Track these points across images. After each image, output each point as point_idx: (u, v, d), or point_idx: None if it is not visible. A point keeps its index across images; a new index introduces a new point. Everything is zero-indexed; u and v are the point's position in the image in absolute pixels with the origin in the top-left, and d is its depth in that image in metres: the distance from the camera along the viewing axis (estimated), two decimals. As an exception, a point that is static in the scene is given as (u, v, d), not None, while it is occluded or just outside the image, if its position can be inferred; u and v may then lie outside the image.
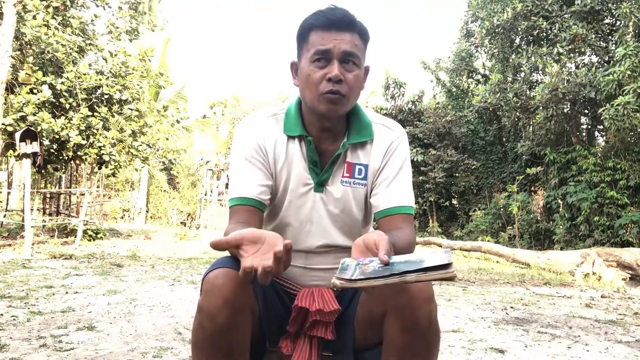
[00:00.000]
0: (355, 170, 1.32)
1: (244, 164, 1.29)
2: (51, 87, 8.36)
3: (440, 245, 10.83)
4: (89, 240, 9.13)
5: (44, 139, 8.29)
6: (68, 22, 9.06)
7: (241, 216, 1.25)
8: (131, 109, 9.77)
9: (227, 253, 1.17)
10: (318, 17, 1.24)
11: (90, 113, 8.92)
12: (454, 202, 15.74)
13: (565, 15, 11.29)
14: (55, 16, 8.68)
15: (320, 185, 1.31)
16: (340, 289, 0.93)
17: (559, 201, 11.92)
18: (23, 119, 7.94)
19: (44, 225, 9.86)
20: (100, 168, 10.80)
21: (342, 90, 1.21)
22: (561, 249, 10.42)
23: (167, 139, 10.99)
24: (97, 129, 8.96)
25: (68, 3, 9.15)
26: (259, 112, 1.40)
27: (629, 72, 9.28)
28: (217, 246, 0.97)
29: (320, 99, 1.22)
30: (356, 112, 1.34)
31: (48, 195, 11.38)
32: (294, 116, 1.32)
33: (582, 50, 11.33)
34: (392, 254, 0.98)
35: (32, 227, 7.46)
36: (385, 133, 1.34)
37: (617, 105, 9.20)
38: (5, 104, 8.00)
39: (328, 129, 1.31)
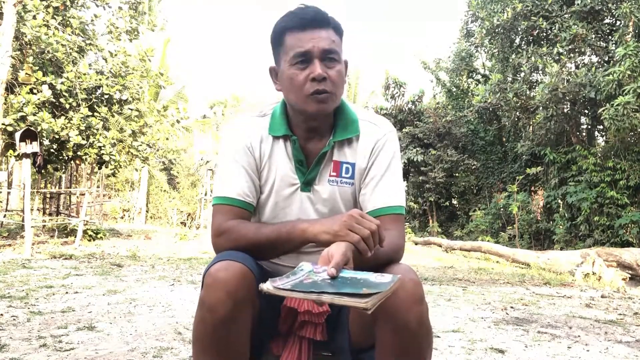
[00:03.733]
0: (343, 169, 1.30)
1: (231, 164, 1.28)
2: (51, 87, 8.36)
3: (440, 245, 10.83)
4: (89, 240, 9.13)
5: (44, 139, 8.28)
6: (68, 22, 9.06)
7: (231, 216, 1.24)
8: (131, 109, 9.77)
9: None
10: (290, 18, 1.23)
11: (90, 113, 8.92)
12: (454, 202, 15.74)
13: (565, 15, 11.29)
14: (55, 16, 8.68)
15: (307, 185, 1.30)
16: (266, 294, 0.97)
17: (559, 201, 11.92)
18: (23, 119, 7.94)
19: (44, 225, 9.86)
20: (100, 168, 10.80)
21: (327, 88, 1.20)
22: (561, 249, 10.42)
23: (167, 139, 11.00)
24: (97, 129, 8.96)
25: (68, 3, 9.15)
26: (247, 111, 1.39)
27: (629, 72, 9.29)
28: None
29: (307, 100, 1.21)
30: (342, 109, 1.32)
31: (48, 195, 11.37)
32: (279, 117, 1.31)
33: (582, 50, 11.33)
34: (346, 268, 1.01)
35: (32, 227, 7.46)
36: (372, 130, 1.32)
37: (617, 105, 9.20)
38: (5, 104, 8.00)
39: (315, 129, 1.29)
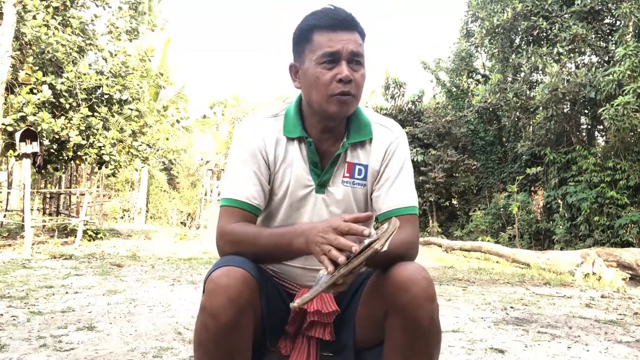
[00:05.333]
0: (355, 170, 1.31)
1: (241, 166, 1.28)
2: (51, 87, 8.36)
3: (440, 245, 10.84)
4: (89, 240, 9.12)
5: (44, 139, 8.28)
6: (68, 22, 9.06)
7: (237, 218, 1.24)
8: (131, 109, 9.77)
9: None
10: (320, 17, 1.22)
11: (90, 113, 8.91)
12: (454, 202, 15.74)
13: (565, 15, 11.28)
14: (55, 16, 8.67)
15: (321, 187, 1.30)
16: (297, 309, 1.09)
17: (559, 201, 11.92)
18: (23, 119, 7.94)
19: (44, 225, 9.86)
20: (100, 168, 10.80)
21: (352, 91, 1.21)
22: (561, 249, 10.42)
23: (167, 139, 11.01)
24: (97, 129, 8.96)
25: (68, 3, 9.15)
26: (259, 112, 1.39)
27: (629, 72, 9.28)
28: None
29: (330, 100, 1.21)
30: (355, 112, 1.33)
31: (48, 195, 11.37)
32: (294, 117, 1.31)
33: (582, 50, 11.32)
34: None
35: (32, 227, 7.46)
36: (384, 133, 1.34)
37: (617, 105, 9.20)
38: (5, 104, 8.00)
39: (330, 130, 1.30)
